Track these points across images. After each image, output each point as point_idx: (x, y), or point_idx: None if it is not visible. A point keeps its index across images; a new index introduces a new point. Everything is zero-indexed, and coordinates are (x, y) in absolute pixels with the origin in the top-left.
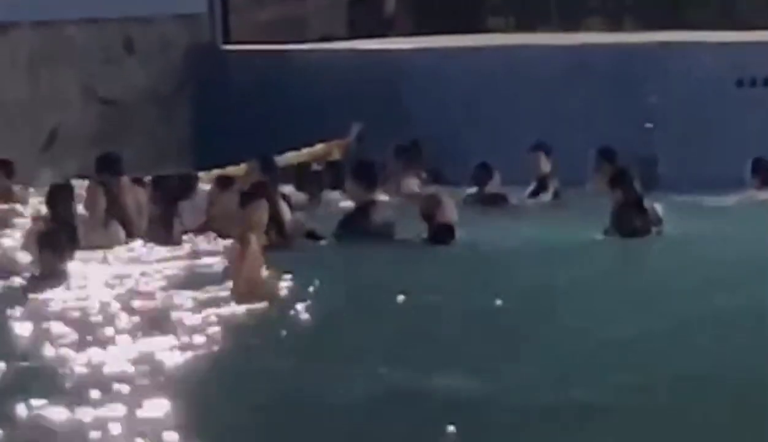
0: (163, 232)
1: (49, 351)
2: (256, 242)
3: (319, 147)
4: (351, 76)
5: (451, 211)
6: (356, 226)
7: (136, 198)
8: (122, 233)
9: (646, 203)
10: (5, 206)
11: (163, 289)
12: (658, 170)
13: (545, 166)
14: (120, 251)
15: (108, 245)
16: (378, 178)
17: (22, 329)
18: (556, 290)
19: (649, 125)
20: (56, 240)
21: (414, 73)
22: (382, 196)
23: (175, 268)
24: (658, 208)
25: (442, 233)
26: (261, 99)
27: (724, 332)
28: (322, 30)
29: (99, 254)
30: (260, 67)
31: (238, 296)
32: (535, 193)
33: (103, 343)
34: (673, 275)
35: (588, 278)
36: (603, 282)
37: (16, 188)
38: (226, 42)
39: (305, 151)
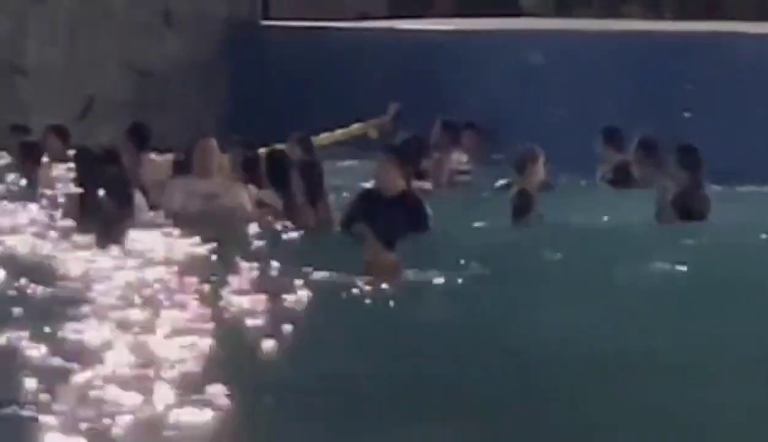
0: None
1: None
2: None
3: (354, 127)
4: (388, 56)
5: (541, 169)
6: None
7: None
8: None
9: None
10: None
11: None
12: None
13: (611, 153)
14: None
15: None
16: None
17: None
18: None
19: (687, 114)
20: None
21: (452, 55)
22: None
23: None
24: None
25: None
26: (298, 75)
27: None
28: (360, 8)
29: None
30: (299, 44)
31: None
32: (614, 181)
33: None
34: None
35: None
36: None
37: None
38: (266, 18)
39: (339, 131)
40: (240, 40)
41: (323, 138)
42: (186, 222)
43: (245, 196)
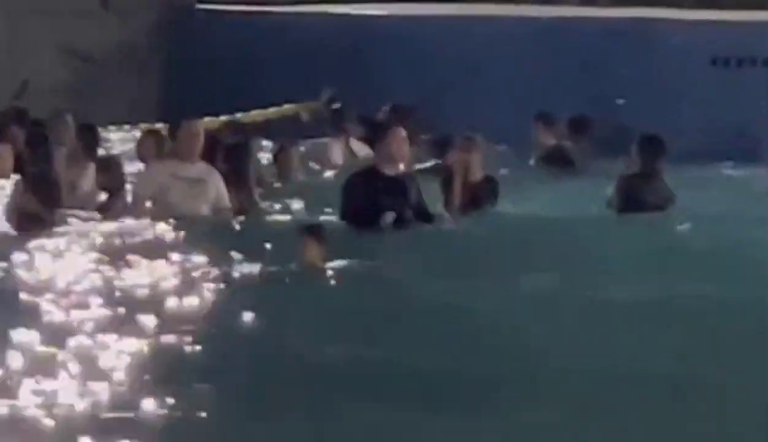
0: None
1: None
2: None
3: (286, 107)
4: (323, 40)
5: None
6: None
7: None
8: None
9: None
10: None
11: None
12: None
13: (546, 137)
14: None
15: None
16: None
17: None
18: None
19: (620, 101)
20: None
21: (385, 39)
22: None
23: None
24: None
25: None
26: (233, 59)
27: None
28: None
29: None
30: (234, 27)
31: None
32: (549, 164)
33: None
34: None
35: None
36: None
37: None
38: (201, 1)
39: (272, 109)
40: (176, 23)
41: (254, 114)
42: (164, 210)
43: (222, 183)
